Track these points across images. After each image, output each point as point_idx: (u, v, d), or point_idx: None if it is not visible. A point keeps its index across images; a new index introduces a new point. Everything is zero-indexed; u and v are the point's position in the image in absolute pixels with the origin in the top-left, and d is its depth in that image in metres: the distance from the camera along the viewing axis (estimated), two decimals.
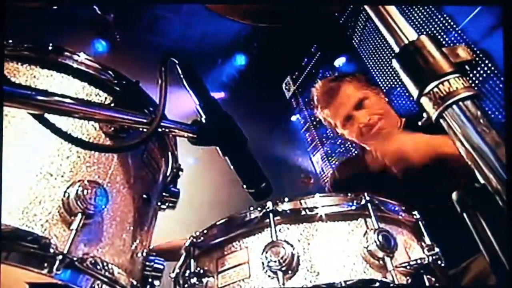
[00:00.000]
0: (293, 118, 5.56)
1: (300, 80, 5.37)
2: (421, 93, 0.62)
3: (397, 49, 0.68)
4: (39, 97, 0.60)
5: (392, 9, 0.73)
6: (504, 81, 0.66)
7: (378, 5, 0.74)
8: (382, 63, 4.18)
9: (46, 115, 0.66)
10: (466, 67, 0.63)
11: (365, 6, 0.80)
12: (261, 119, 4.60)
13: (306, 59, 5.24)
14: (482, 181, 0.57)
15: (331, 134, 4.93)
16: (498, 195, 0.55)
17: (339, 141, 4.79)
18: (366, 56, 4.39)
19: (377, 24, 0.74)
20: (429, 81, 0.61)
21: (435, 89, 0.60)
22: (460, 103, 0.58)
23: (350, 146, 4.62)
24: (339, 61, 4.80)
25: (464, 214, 0.60)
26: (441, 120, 0.60)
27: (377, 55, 4.26)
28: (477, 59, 3.10)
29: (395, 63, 0.68)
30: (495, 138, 0.56)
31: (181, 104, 1.37)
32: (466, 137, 0.58)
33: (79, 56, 0.88)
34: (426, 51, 0.64)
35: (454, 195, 0.61)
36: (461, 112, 0.59)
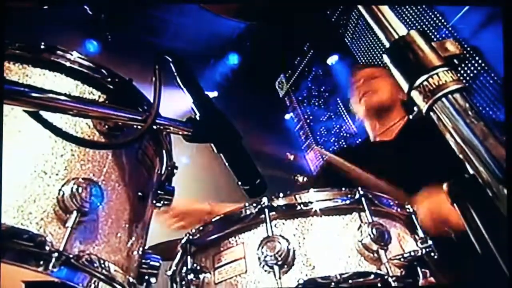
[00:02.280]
0: (287, 116, 5.58)
1: (293, 79, 5.40)
2: (411, 87, 0.63)
3: (387, 44, 0.69)
4: (33, 94, 0.61)
5: (382, 4, 0.74)
6: (504, 81, 0.67)
7: (371, 5, 0.75)
8: (374, 60, 4.21)
9: (40, 112, 0.66)
10: (455, 60, 0.65)
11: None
12: (254, 118, 4.61)
13: (299, 58, 5.26)
14: (471, 171, 0.58)
15: (325, 132, 4.96)
16: (487, 185, 0.56)
17: (333, 139, 4.82)
18: (359, 54, 4.42)
19: (368, 20, 0.75)
20: (419, 75, 0.62)
21: (425, 83, 0.62)
22: (449, 96, 0.60)
23: (344, 144, 4.65)
24: (332, 59, 4.83)
25: (455, 205, 0.62)
26: (431, 113, 0.62)
27: (369, 53, 4.30)
28: (467, 55, 3.13)
29: (385, 58, 0.69)
30: (483, 130, 0.57)
31: (175, 102, 1.38)
32: (455, 129, 0.59)
33: (71, 54, 0.88)
34: (416, 45, 0.65)
35: (445, 186, 0.62)
36: (450, 104, 0.60)
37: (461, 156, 0.59)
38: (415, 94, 0.63)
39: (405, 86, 0.65)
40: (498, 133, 0.58)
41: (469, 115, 0.59)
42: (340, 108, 4.77)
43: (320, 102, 5.07)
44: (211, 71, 5.40)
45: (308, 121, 5.21)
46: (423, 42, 0.65)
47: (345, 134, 4.70)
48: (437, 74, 0.62)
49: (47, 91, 0.63)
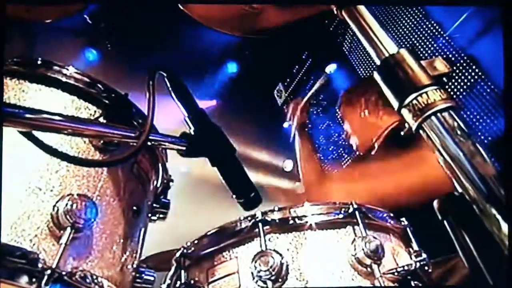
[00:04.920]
0: (285, 125, 5.59)
1: (291, 87, 5.41)
2: (401, 105, 0.64)
3: (378, 62, 0.71)
4: (27, 115, 0.61)
5: (372, 22, 0.76)
6: (504, 81, 0.68)
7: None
8: (372, 69, 4.24)
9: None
10: (444, 79, 0.66)
11: (348, 20, 0.83)
12: (253, 126, 4.62)
13: (297, 66, 5.29)
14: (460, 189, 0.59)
15: (323, 141, 4.97)
16: (475, 203, 0.57)
17: (331, 147, 4.83)
18: (356, 63, 4.45)
19: (359, 37, 0.77)
20: (409, 94, 0.63)
21: (414, 101, 0.63)
22: (438, 114, 0.61)
23: (342, 152, 4.66)
24: (330, 68, 4.85)
25: (445, 222, 0.62)
26: (421, 131, 0.63)
27: (367, 62, 4.32)
28: (464, 64, 3.16)
29: (376, 76, 0.70)
30: (471, 148, 0.58)
31: (171, 115, 1.39)
32: (444, 147, 0.60)
33: (68, 69, 0.89)
34: (406, 64, 0.66)
35: (435, 203, 0.63)
36: (439, 123, 0.61)
37: (449, 173, 0.60)
38: (405, 112, 0.65)
39: (395, 104, 0.66)
40: (486, 152, 0.59)
41: (458, 133, 0.60)
42: (338, 117, 4.78)
43: (319, 110, 5.09)
44: (209, 79, 5.42)
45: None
46: (412, 61, 0.66)
47: (344, 142, 4.71)
48: (426, 93, 0.63)
49: (40, 112, 0.64)
